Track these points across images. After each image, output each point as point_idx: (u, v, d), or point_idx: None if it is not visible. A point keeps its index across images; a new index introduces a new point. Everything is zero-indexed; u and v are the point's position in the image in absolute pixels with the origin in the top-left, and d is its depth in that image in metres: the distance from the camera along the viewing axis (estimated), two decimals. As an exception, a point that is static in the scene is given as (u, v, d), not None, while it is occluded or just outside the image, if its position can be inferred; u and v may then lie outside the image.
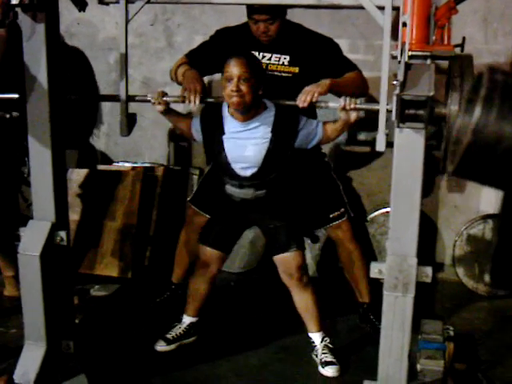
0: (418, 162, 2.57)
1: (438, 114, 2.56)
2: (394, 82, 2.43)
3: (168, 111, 3.32)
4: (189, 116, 3.51)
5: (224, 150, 3.28)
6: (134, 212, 4.51)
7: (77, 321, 3.48)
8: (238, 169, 3.29)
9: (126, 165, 4.85)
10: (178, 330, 3.64)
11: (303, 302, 3.45)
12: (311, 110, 3.33)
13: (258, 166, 3.26)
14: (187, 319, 3.66)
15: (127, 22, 3.00)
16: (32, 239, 2.99)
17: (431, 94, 2.38)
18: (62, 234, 3.02)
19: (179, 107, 3.51)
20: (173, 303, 3.95)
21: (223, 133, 3.27)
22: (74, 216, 4.44)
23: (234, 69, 3.09)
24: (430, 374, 3.08)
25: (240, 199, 3.37)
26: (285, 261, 3.39)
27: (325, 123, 3.27)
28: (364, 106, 3.11)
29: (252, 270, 4.65)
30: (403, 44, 2.47)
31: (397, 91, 2.41)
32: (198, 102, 3.27)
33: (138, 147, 4.97)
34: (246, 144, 3.24)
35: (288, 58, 3.60)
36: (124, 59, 3.07)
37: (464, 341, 3.59)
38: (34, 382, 2.97)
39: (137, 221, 4.50)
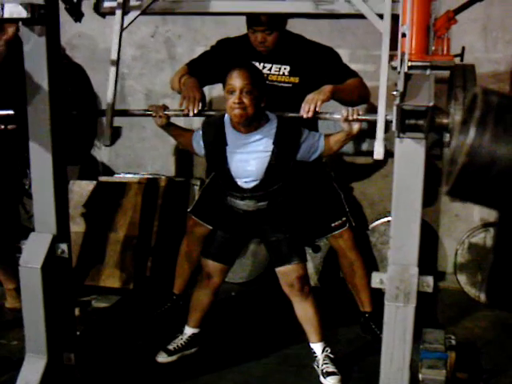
0: (419, 172, 2.57)
1: (440, 123, 2.57)
2: (394, 93, 2.44)
3: (168, 125, 3.33)
4: (189, 130, 3.51)
5: (227, 163, 3.28)
6: (136, 223, 4.52)
7: (78, 332, 3.47)
8: (240, 182, 3.30)
9: (128, 176, 4.86)
10: (180, 341, 3.63)
11: (304, 312, 3.43)
12: (313, 121, 3.33)
13: (260, 178, 3.26)
14: (189, 330, 3.65)
15: (121, 31, 3.02)
16: (33, 251, 2.99)
17: (431, 104, 2.38)
18: (63, 246, 3.02)
19: (179, 121, 3.51)
20: (174, 314, 3.95)
21: (226, 145, 3.27)
22: (76, 228, 4.45)
23: (236, 81, 3.09)
24: (432, 383, 3.07)
25: (242, 211, 3.38)
26: (286, 273, 3.38)
27: (327, 135, 3.26)
28: (366, 117, 3.11)
29: (254, 281, 4.64)
30: (403, 54, 2.48)
31: (397, 101, 2.41)
32: (196, 110, 3.28)
33: (139, 158, 4.98)
34: (248, 158, 3.24)
35: (288, 68, 3.62)
36: (115, 68, 3.08)
37: (466, 350, 3.58)
38: (36, 394, 2.97)
39: (138, 232, 4.50)
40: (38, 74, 2.87)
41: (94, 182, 4.73)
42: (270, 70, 3.63)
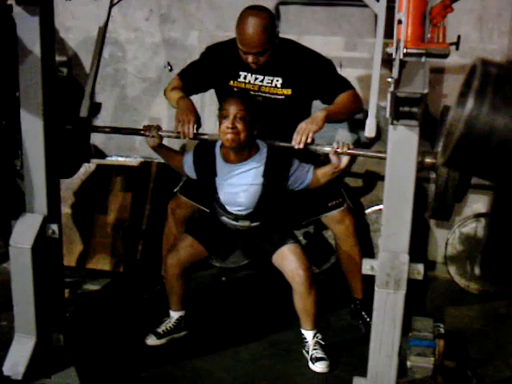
0: (412, 159, 2.58)
1: (427, 163, 2.77)
2: (389, 79, 2.43)
3: (160, 146, 3.41)
4: (180, 153, 3.54)
5: (217, 193, 3.34)
6: (127, 206, 4.50)
7: (67, 314, 3.47)
8: (231, 209, 3.37)
9: (120, 159, 4.85)
10: (168, 324, 3.64)
11: (304, 302, 3.40)
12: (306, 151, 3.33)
13: (253, 207, 3.33)
14: (174, 314, 3.65)
15: (111, 7, 3.18)
16: (23, 231, 2.99)
17: (426, 91, 2.38)
18: (54, 226, 3.02)
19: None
20: (164, 297, 3.95)
21: (215, 175, 3.32)
22: (67, 210, 4.44)
23: (231, 107, 3.15)
24: (420, 370, 3.09)
25: (235, 228, 3.44)
26: (284, 256, 3.38)
27: (316, 168, 3.31)
28: (356, 152, 3.21)
29: (245, 266, 4.64)
30: (398, 41, 2.48)
31: (391, 88, 2.41)
32: (191, 135, 3.32)
33: (131, 142, 4.96)
34: (237, 191, 3.30)
35: (280, 80, 3.58)
36: (101, 37, 3.08)
37: (454, 338, 3.60)
38: (24, 374, 2.98)
39: (129, 215, 4.49)
40: (32, 55, 2.86)
41: (86, 165, 4.70)
42: (262, 81, 3.60)
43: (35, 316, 3.02)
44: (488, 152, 1.09)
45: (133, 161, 4.76)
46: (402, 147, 2.57)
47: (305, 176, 3.31)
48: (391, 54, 2.50)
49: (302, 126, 3.26)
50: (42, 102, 2.90)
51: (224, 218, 3.43)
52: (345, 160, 3.15)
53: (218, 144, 3.32)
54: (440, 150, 1.16)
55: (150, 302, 4.03)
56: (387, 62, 2.71)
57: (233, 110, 3.14)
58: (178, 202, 3.89)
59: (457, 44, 2.76)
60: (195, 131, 3.35)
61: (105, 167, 4.68)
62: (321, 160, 3.82)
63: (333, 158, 3.16)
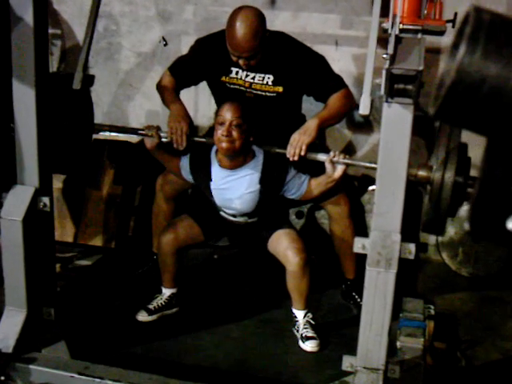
0: (406, 138, 2.55)
1: (421, 177, 2.69)
2: (384, 56, 2.41)
3: (158, 148, 3.43)
4: (177, 157, 3.52)
5: (213, 197, 3.37)
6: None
7: (58, 289, 3.46)
8: (228, 211, 3.41)
9: (113, 134, 4.81)
10: (160, 300, 3.63)
11: (297, 283, 3.38)
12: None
13: (248, 212, 3.37)
14: (166, 291, 3.65)
15: None
16: (15, 204, 2.96)
17: (421, 68, 2.36)
18: (45, 199, 2.99)
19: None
20: (155, 273, 3.94)
21: (211, 180, 3.33)
22: (59, 184, 4.41)
23: (226, 114, 3.14)
24: (410, 351, 3.09)
25: (233, 223, 3.47)
26: (279, 239, 3.38)
27: (311, 179, 3.31)
28: (351, 161, 3.22)
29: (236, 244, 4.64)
30: (394, 17, 2.45)
31: (386, 65, 2.39)
32: (184, 144, 3.34)
33: (125, 117, 4.94)
34: (232, 197, 3.32)
35: (272, 77, 3.54)
36: (95, 9, 3.05)
37: (444, 320, 3.61)
38: (14, 347, 2.96)
39: (122, 191, 4.47)
40: (24, 25, 2.81)
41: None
42: (253, 78, 3.56)
43: (26, 290, 3.00)
44: (479, 101, 1.06)
45: (126, 136, 4.73)
46: (396, 125, 2.54)
47: (299, 187, 3.33)
48: (387, 30, 2.47)
49: (296, 137, 3.26)
50: (34, 72, 2.86)
51: (222, 213, 3.46)
52: (339, 170, 3.16)
53: (214, 148, 3.32)
54: (431, 102, 1.13)
55: (141, 279, 4.02)
56: (383, 40, 2.68)
57: (229, 117, 3.13)
58: (166, 177, 3.85)
59: (453, 21, 2.73)
60: (187, 140, 3.37)
61: (98, 142, 4.64)
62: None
63: (328, 166, 3.16)
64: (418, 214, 4.51)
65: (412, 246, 2.62)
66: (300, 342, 3.41)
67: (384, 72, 2.39)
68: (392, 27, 2.43)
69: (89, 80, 3.17)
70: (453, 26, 2.68)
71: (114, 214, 4.44)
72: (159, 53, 4.57)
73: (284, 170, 3.29)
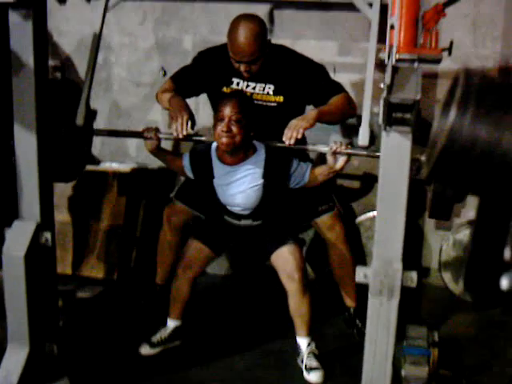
0: (405, 165, 2.56)
1: None
2: (382, 85, 2.42)
3: (159, 150, 3.40)
4: (179, 156, 3.53)
5: (216, 194, 3.34)
6: (121, 213, 4.48)
7: (61, 323, 3.45)
8: (232, 209, 3.36)
9: (114, 165, 4.82)
10: (163, 333, 3.61)
11: (299, 305, 3.38)
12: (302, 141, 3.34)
13: (253, 208, 3.33)
14: (172, 323, 3.63)
15: (105, 13, 3.17)
16: (17, 239, 2.96)
17: (418, 97, 2.37)
18: (47, 234, 2.99)
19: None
20: (158, 305, 3.92)
21: (213, 177, 3.31)
22: (60, 217, 4.41)
23: (226, 109, 3.13)
24: (415, 380, 3.06)
25: (237, 226, 3.43)
26: (283, 256, 3.36)
27: (313, 168, 3.30)
28: (354, 151, 3.16)
29: (239, 274, 4.62)
30: (391, 47, 2.46)
31: (384, 94, 2.40)
32: (185, 131, 3.31)
33: (125, 147, 4.94)
34: (234, 193, 3.29)
35: (272, 87, 3.57)
36: (96, 43, 3.06)
37: (449, 347, 3.58)
38: (17, 384, 2.95)
39: (123, 222, 4.47)
40: (25, 58, 2.83)
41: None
42: (254, 88, 3.59)
43: (28, 325, 2.99)
44: (470, 163, 1.07)
45: (127, 167, 4.74)
46: (395, 153, 2.55)
47: (303, 175, 3.30)
48: (384, 60, 2.49)
49: (293, 122, 3.26)
50: (35, 106, 2.87)
51: (227, 217, 3.42)
52: (341, 161, 3.13)
53: (214, 145, 3.31)
54: (424, 163, 1.14)
55: (143, 310, 4.00)
56: (381, 66, 2.70)
57: (228, 112, 3.11)
58: (173, 208, 3.87)
59: (449, 49, 2.74)
60: (189, 129, 3.35)
61: (99, 173, 4.65)
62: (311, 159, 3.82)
63: (329, 158, 3.14)
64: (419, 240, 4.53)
65: (414, 274, 2.61)
66: (305, 373, 3.38)
67: (382, 101, 2.40)
68: (389, 57, 2.44)
69: (92, 115, 3.18)
70: (449, 54, 2.70)
71: (115, 245, 4.43)
72: (159, 83, 4.56)
73: (287, 163, 3.28)
